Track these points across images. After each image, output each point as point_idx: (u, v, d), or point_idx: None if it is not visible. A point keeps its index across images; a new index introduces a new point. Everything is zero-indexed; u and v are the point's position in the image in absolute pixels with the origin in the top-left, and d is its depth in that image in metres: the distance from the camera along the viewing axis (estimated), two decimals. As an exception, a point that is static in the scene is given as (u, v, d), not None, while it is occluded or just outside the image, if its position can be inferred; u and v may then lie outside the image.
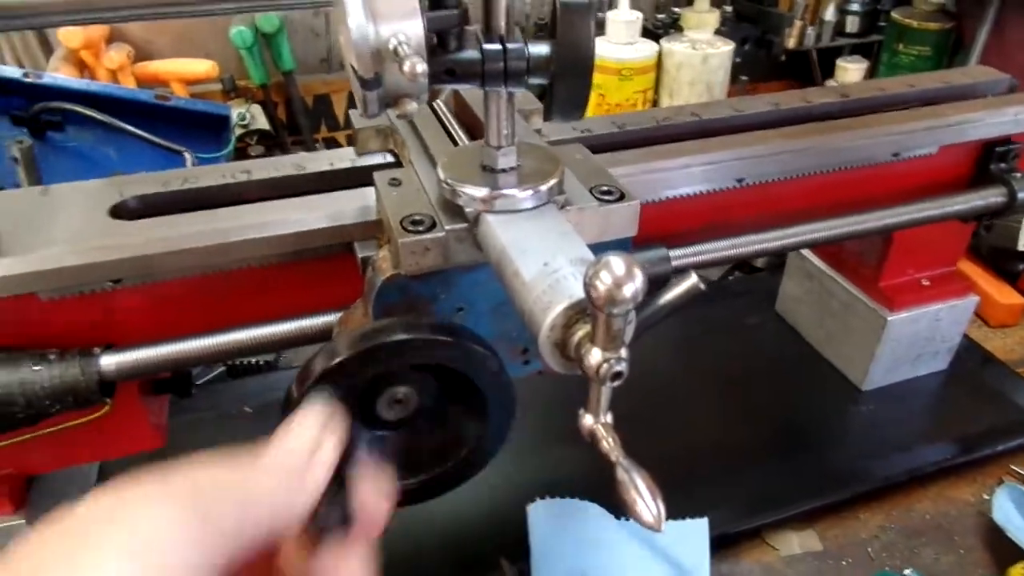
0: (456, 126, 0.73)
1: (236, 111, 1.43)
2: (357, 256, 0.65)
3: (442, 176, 0.57)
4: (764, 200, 0.87)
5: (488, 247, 0.53)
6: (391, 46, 0.46)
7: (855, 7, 1.73)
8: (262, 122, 1.49)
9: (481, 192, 0.54)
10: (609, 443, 0.41)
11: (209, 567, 0.29)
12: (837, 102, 0.95)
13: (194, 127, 1.34)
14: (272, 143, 1.54)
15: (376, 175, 0.64)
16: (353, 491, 0.39)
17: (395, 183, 0.62)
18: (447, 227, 0.56)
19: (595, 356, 0.39)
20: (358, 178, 0.73)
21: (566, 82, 0.53)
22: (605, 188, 0.61)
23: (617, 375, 0.39)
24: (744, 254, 0.85)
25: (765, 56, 1.73)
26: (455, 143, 0.70)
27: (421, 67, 0.45)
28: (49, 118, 1.21)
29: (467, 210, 0.55)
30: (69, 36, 1.39)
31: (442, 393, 0.57)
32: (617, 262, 0.36)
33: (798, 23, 1.67)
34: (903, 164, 0.90)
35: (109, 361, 0.66)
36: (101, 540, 0.27)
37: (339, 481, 0.38)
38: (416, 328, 0.50)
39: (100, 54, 1.42)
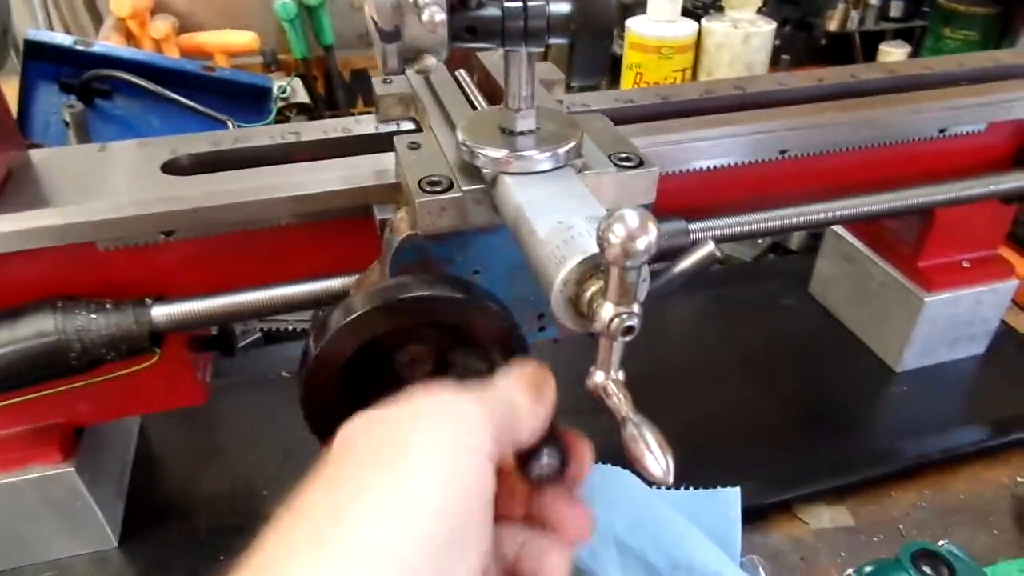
0: (477, 94, 0.74)
1: (277, 83, 1.45)
2: (376, 218, 0.66)
3: (461, 138, 0.58)
4: (806, 174, 0.87)
5: (505, 207, 0.54)
6: None
7: (900, -10, 1.70)
8: (302, 95, 1.51)
9: (499, 153, 0.55)
10: (619, 399, 0.40)
11: (492, 461, 0.34)
12: (884, 78, 0.94)
13: (236, 98, 1.36)
14: (311, 116, 1.56)
15: (396, 139, 0.64)
16: (560, 435, 0.41)
17: (414, 146, 0.63)
18: (464, 188, 0.56)
19: (607, 310, 0.39)
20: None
21: (586, 42, 0.52)
22: (624, 155, 0.61)
23: (629, 329, 0.39)
24: (777, 227, 0.85)
25: (806, 38, 1.70)
26: (475, 109, 0.70)
27: (440, 16, 0.45)
28: (98, 86, 1.24)
29: (485, 171, 0.56)
30: (118, 5, 1.42)
31: (457, 352, 0.56)
32: (631, 215, 0.36)
33: (841, 6, 1.64)
34: (948, 141, 0.89)
35: (160, 312, 0.69)
36: (431, 420, 0.33)
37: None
38: (430, 283, 0.50)
39: (146, 24, 1.45)
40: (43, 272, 0.67)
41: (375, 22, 0.48)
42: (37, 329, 0.65)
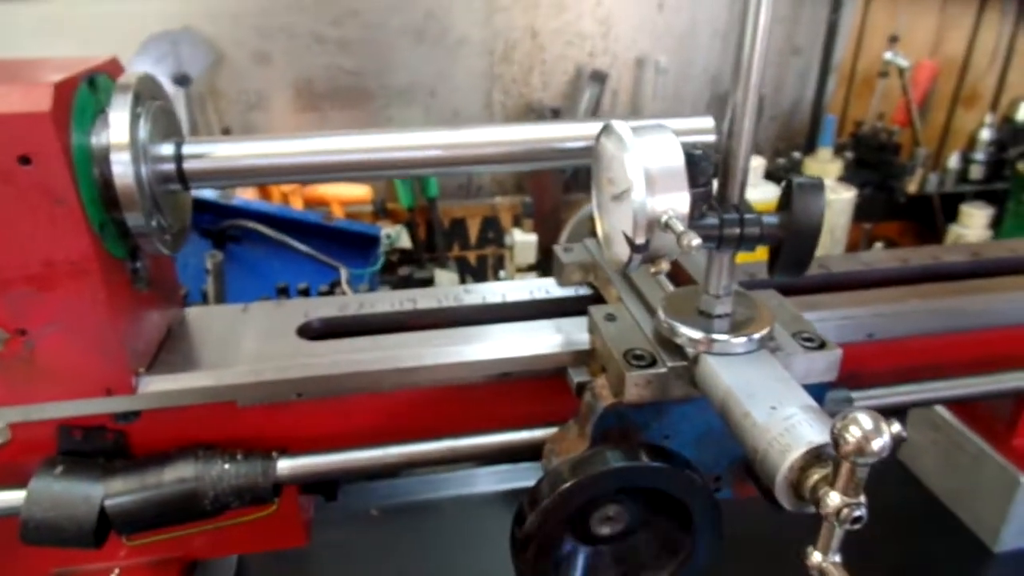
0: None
1: (385, 231, 1.59)
2: (572, 380, 0.72)
3: (662, 316, 0.65)
4: (892, 354, 0.89)
5: (710, 387, 0.59)
6: (663, 219, 0.54)
7: (979, 156, 1.74)
8: (404, 241, 1.64)
9: (698, 335, 0.62)
10: None
11: None
12: (967, 261, 0.97)
13: (349, 244, 1.50)
14: (412, 261, 1.68)
15: (592, 309, 0.72)
16: None
17: (611, 318, 0.70)
18: (669, 364, 0.63)
19: (834, 500, 0.43)
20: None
21: (793, 247, 0.60)
22: (806, 335, 0.67)
23: (858, 519, 0.43)
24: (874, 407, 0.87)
25: (885, 200, 1.75)
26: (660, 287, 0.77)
27: (696, 242, 0.53)
28: (233, 233, 1.40)
29: (688, 350, 0.62)
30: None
31: (649, 511, 0.63)
32: (865, 418, 0.41)
33: (920, 170, 1.70)
34: (1036, 327, 0.91)
35: (284, 465, 0.75)
36: None
37: None
38: (634, 455, 0.57)
39: (275, 178, 1.63)
40: (189, 425, 0.76)
41: (627, 236, 0.56)
42: (179, 476, 0.73)
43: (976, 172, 1.74)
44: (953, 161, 1.72)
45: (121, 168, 0.61)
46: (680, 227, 0.53)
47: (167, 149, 0.67)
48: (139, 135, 0.63)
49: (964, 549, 1.07)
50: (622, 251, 0.58)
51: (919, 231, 2.21)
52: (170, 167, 0.67)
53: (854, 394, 0.86)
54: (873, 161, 1.79)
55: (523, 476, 1.23)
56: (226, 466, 0.74)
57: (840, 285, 0.91)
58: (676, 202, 0.55)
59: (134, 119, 0.62)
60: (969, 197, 1.79)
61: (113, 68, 0.68)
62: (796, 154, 1.73)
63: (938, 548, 1.08)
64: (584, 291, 0.87)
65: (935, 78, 2.47)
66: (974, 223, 1.69)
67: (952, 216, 1.78)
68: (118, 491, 0.71)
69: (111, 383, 0.69)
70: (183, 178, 0.68)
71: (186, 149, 0.67)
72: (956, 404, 1.10)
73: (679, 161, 0.55)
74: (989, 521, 1.06)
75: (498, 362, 0.75)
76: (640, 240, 0.55)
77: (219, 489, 0.73)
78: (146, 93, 0.66)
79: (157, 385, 0.72)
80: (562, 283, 0.87)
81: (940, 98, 2.57)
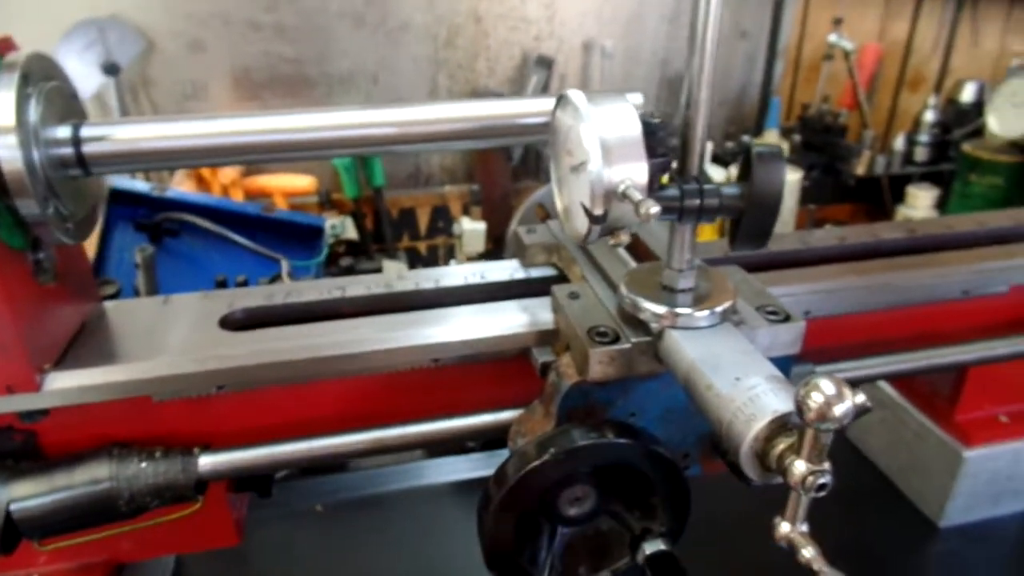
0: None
1: (329, 222, 1.55)
2: (536, 361, 0.71)
3: (625, 292, 0.63)
4: (830, 332, 0.89)
5: (675, 361, 0.58)
6: (620, 188, 0.53)
7: (924, 139, 1.76)
8: (351, 232, 1.61)
9: (661, 309, 0.61)
10: (810, 551, 0.44)
11: None
12: (905, 238, 0.97)
13: (292, 236, 1.46)
14: (358, 253, 1.65)
15: (555, 288, 0.71)
16: None
17: (574, 296, 0.69)
18: (633, 339, 0.61)
19: (800, 468, 0.42)
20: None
21: (754, 218, 0.59)
22: (771, 308, 0.66)
23: (822, 487, 0.42)
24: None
25: (833, 182, 1.77)
26: (624, 264, 0.76)
27: (655, 209, 0.51)
28: (169, 226, 1.35)
29: (651, 325, 0.61)
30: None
31: (616, 489, 0.62)
32: (827, 383, 0.41)
33: (867, 152, 1.71)
34: (973, 302, 0.91)
35: (206, 461, 0.72)
36: None
37: None
38: (600, 432, 0.56)
39: (216, 170, 1.59)
40: (103, 423, 0.72)
41: (585, 208, 0.55)
42: (91, 476, 0.69)
43: (921, 154, 1.77)
44: (899, 143, 1.74)
45: (6, 152, 0.57)
46: (638, 196, 0.52)
47: (63, 132, 0.63)
48: (28, 117, 0.59)
49: (909, 525, 1.08)
50: (581, 224, 0.57)
51: (868, 213, 2.24)
52: (68, 151, 0.63)
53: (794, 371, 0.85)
54: (819, 143, 1.81)
55: (472, 467, 1.22)
56: (143, 464, 0.71)
57: (779, 263, 0.90)
58: (634, 172, 0.54)
59: (22, 100, 0.59)
60: (915, 179, 1.81)
61: (5, 47, 0.64)
62: (745, 137, 1.73)
63: (884, 524, 1.09)
64: (520, 274, 0.85)
65: (880, 61, 2.51)
66: (920, 204, 1.71)
67: (900, 198, 1.80)
68: (26, 494, 0.67)
69: (11, 381, 0.65)
70: (83, 163, 0.64)
71: (85, 132, 0.64)
72: (896, 380, 1.11)
73: (636, 130, 0.54)
74: (934, 496, 1.07)
75: (430, 347, 0.73)
76: (598, 211, 0.54)
77: (135, 488, 0.70)
78: (38, 73, 0.62)
79: (64, 382, 0.68)
80: (525, 265, 0.85)
81: (886, 81, 2.61)
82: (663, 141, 0.55)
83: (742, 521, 1.04)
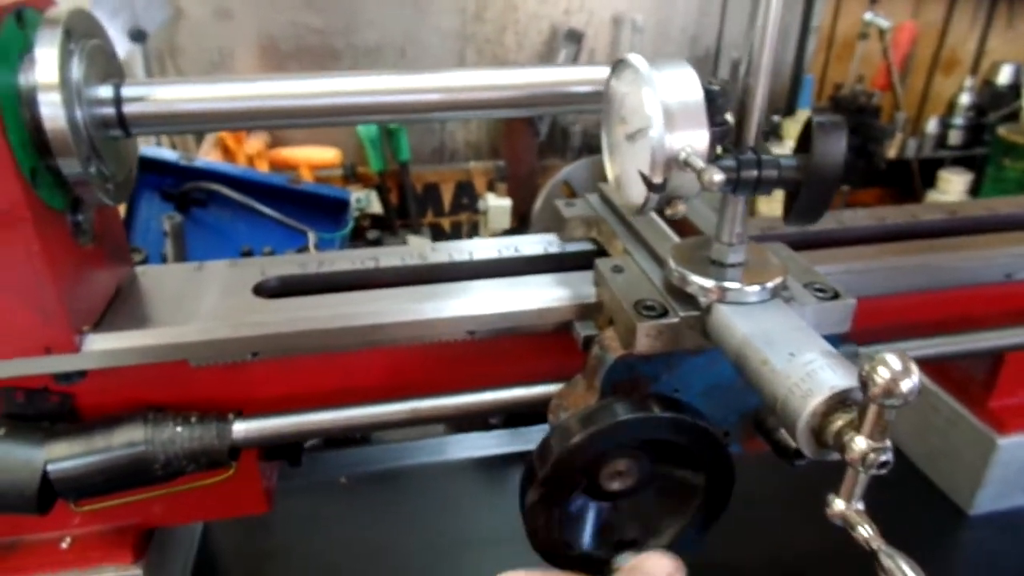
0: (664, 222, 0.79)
1: (355, 195, 1.55)
2: (578, 334, 0.70)
3: (672, 266, 0.62)
4: (868, 313, 0.88)
5: (724, 335, 0.57)
6: (681, 156, 0.52)
7: (959, 121, 1.73)
8: (376, 206, 1.61)
9: (711, 283, 0.59)
10: (866, 530, 0.43)
11: None
12: (945, 219, 0.95)
13: (317, 208, 1.46)
14: (384, 226, 1.65)
15: (598, 262, 0.70)
16: None
17: (618, 270, 0.68)
18: (681, 313, 0.61)
19: (860, 444, 0.41)
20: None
21: (812, 191, 0.57)
22: (819, 286, 0.65)
23: (884, 464, 0.41)
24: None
25: (865, 165, 1.74)
26: (666, 239, 0.75)
27: (720, 177, 0.50)
28: (196, 196, 1.35)
29: (700, 299, 0.60)
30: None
31: (659, 464, 0.61)
32: (894, 359, 0.39)
33: (899, 135, 1.68)
34: (1016, 285, 0.89)
35: (240, 427, 0.72)
36: None
37: None
38: (646, 406, 0.56)
39: (242, 140, 1.59)
40: (140, 386, 0.72)
41: (644, 176, 0.54)
42: (128, 439, 0.69)
43: (955, 137, 1.73)
44: (932, 126, 1.70)
45: (50, 110, 0.57)
46: (700, 163, 0.50)
47: (105, 91, 0.62)
48: (71, 75, 0.59)
49: (938, 512, 1.07)
50: (638, 193, 0.55)
51: (897, 197, 2.21)
52: (109, 111, 0.63)
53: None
54: (852, 124, 1.77)
55: (495, 444, 1.22)
56: (178, 429, 0.71)
57: (815, 243, 0.89)
58: (695, 139, 0.52)
59: (65, 57, 0.58)
60: (948, 163, 1.78)
61: (43, 2, 0.63)
62: (776, 117, 1.71)
63: (911, 511, 1.08)
64: (555, 247, 0.84)
65: (915, 40, 2.46)
66: (952, 189, 1.68)
67: (930, 182, 1.77)
68: (62, 455, 0.68)
69: (50, 342, 0.65)
70: (124, 123, 0.63)
71: (126, 91, 0.63)
72: (931, 364, 1.09)
73: (698, 96, 0.52)
74: (964, 484, 1.06)
75: (466, 319, 0.72)
76: (658, 179, 0.53)
77: (171, 453, 0.70)
78: (80, 29, 0.61)
79: (103, 344, 0.68)
80: (564, 239, 0.84)
81: (919, 62, 2.56)
82: (722, 108, 0.53)
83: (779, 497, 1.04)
